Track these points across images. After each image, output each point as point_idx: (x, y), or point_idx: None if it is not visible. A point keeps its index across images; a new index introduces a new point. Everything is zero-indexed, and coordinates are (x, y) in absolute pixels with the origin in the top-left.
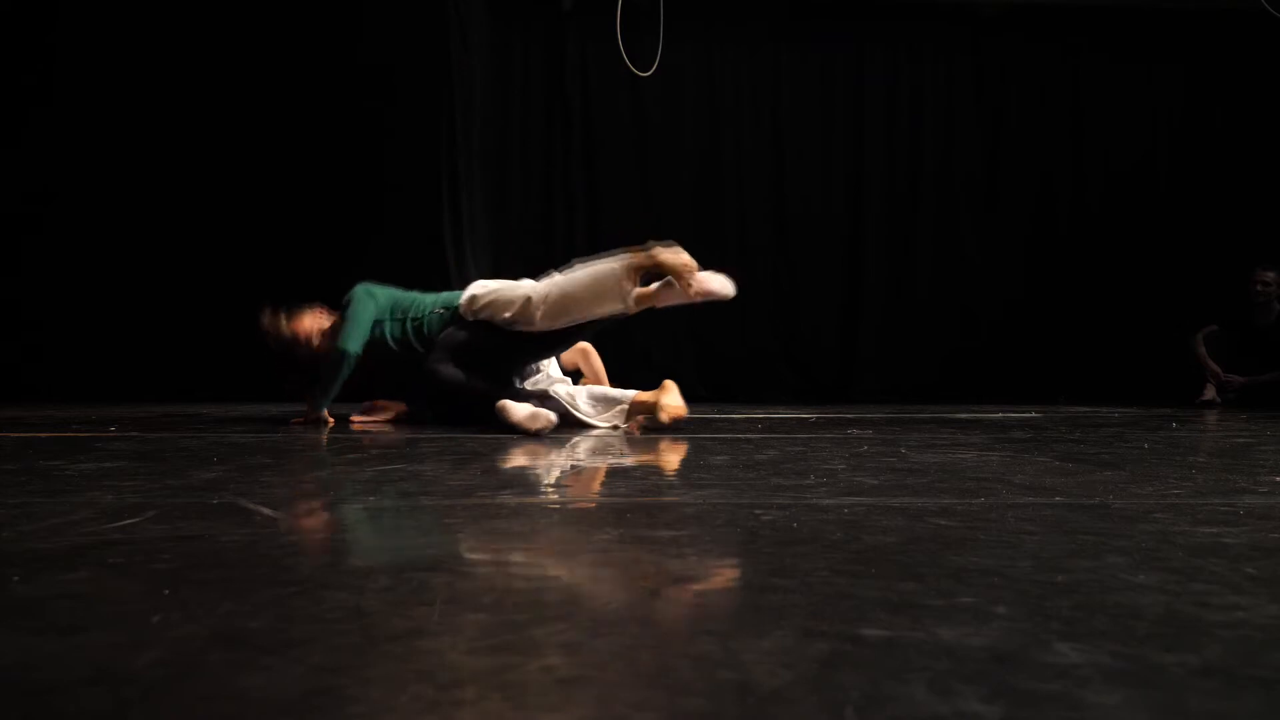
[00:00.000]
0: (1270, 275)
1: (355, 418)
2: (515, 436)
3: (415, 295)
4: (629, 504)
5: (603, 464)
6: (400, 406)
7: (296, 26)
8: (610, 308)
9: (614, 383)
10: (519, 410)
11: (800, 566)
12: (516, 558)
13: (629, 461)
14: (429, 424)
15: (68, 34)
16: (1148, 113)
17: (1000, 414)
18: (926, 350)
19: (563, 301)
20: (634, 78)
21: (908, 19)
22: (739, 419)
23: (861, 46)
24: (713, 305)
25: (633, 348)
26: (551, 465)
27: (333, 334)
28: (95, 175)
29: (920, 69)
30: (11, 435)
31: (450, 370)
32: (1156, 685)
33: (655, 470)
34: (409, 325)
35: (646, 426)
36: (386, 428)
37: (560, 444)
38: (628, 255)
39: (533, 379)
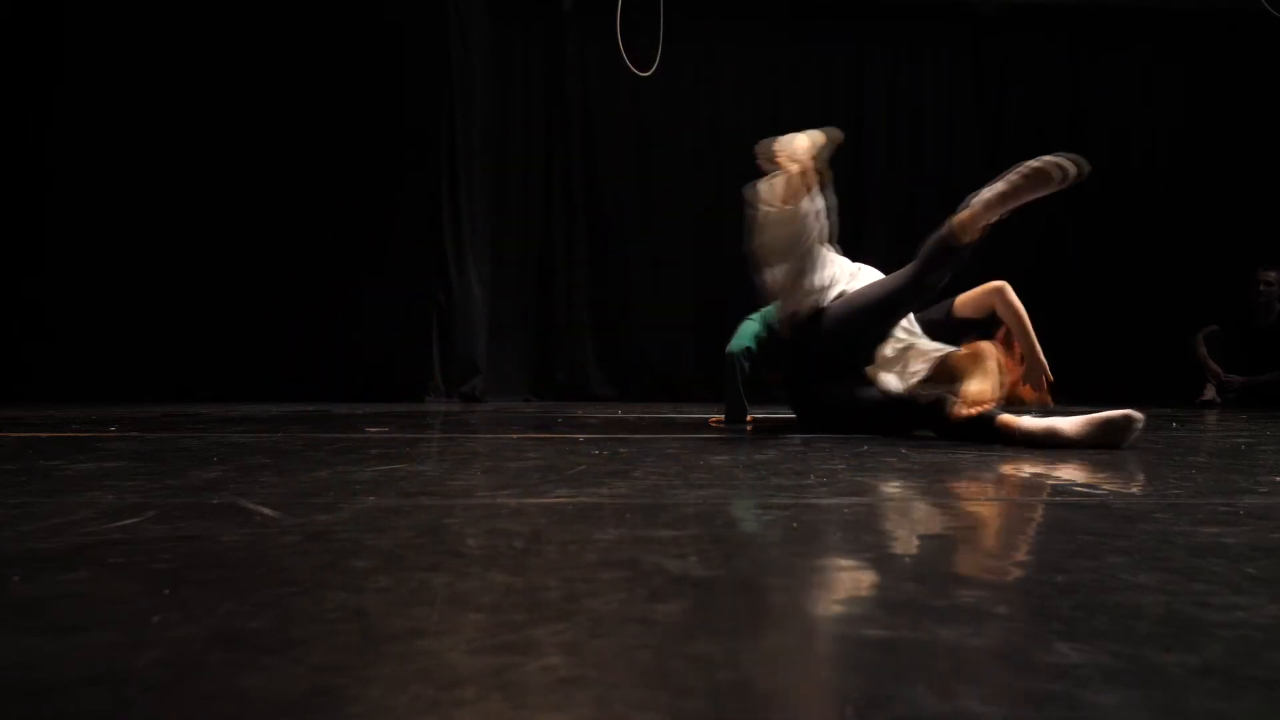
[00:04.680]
0: (1272, 275)
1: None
2: (511, 437)
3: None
4: (629, 504)
5: (603, 464)
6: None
7: (297, 27)
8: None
9: (614, 382)
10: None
11: (800, 566)
12: (516, 558)
13: (630, 462)
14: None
15: (70, 35)
16: (1148, 112)
17: None
18: None
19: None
20: (634, 78)
21: (908, 19)
22: None
23: (861, 46)
24: (712, 305)
25: (633, 347)
26: (552, 466)
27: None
28: (96, 176)
29: (920, 69)
30: (11, 435)
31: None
32: (1156, 685)
33: (655, 470)
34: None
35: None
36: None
37: (563, 444)
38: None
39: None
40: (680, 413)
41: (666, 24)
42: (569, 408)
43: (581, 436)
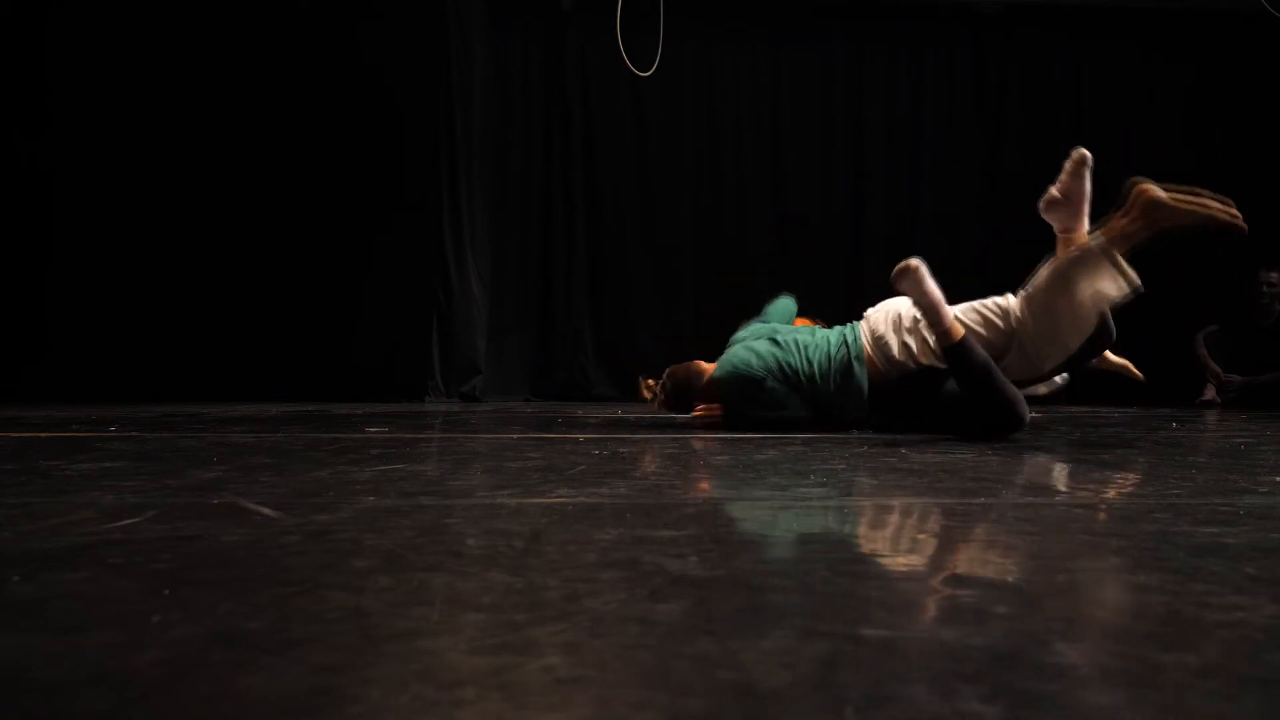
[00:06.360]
0: (1273, 275)
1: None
2: (514, 438)
3: (792, 349)
4: (629, 504)
5: (603, 465)
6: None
7: (297, 28)
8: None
9: (614, 382)
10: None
11: (800, 566)
12: (516, 558)
13: (630, 462)
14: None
15: (61, 38)
16: (1149, 112)
17: None
18: None
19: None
20: (634, 77)
21: (908, 19)
22: None
23: (861, 46)
24: (710, 307)
25: (633, 347)
26: (552, 466)
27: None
28: (97, 177)
29: (920, 69)
30: (11, 435)
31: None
32: (1156, 685)
33: (655, 470)
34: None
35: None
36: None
37: (563, 444)
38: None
39: None
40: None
41: (666, 24)
42: (569, 408)
43: (581, 436)
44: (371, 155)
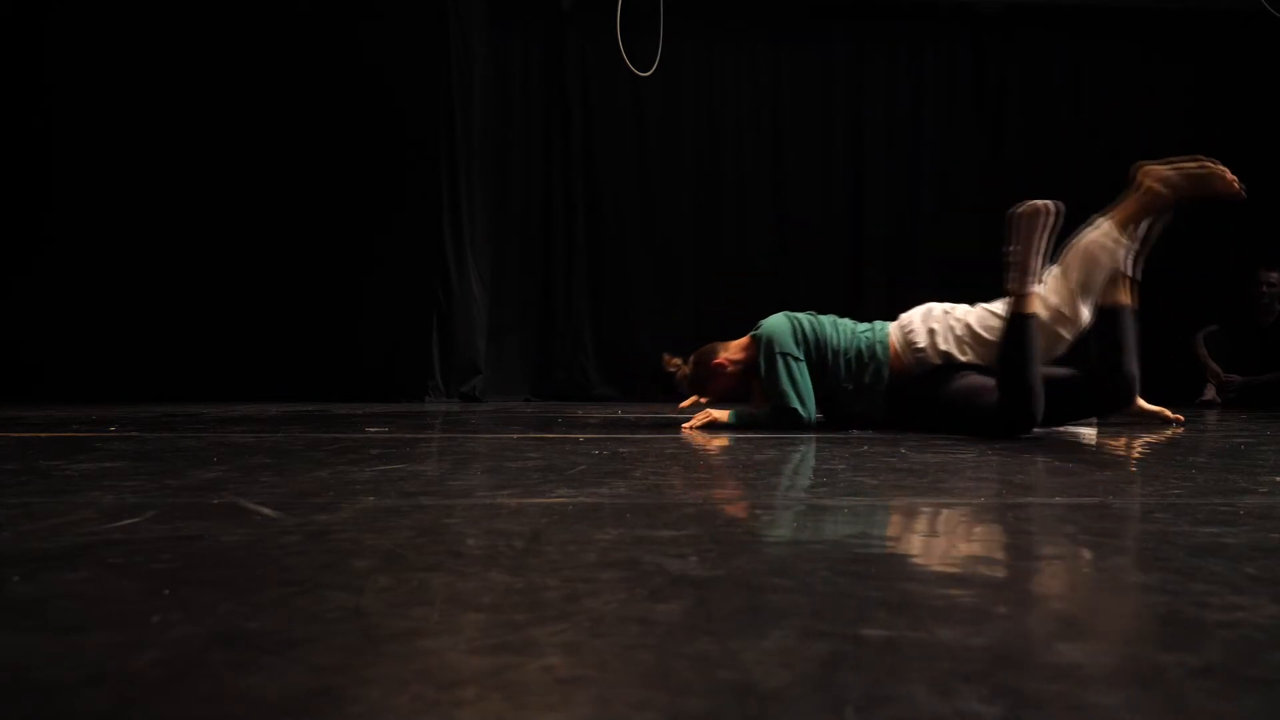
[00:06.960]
0: (1273, 275)
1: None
2: (514, 438)
3: (828, 329)
4: (629, 504)
5: (603, 465)
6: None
7: (297, 28)
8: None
9: (614, 382)
10: None
11: (800, 566)
12: (516, 558)
13: (630, 462)
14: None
15: (61, 38)
16: (1150, 112)
17: None
18: None
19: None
20: (634, 77)
21: (908, 19)
22: None
23: (861, 46)
24: (710, 307)
25: (633, 347)
26: (552, 466)
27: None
28: (96, 176)
29: (920, 69)
30: (11, 435)
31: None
32: (1156, 685)
33: (655, 470)
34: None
35: None
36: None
37: (563, 444)
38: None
39: None
40: (680, 413)
41: (666, 24)
42: (569, 408)
43: (581, 436)
44: (371, 155)
